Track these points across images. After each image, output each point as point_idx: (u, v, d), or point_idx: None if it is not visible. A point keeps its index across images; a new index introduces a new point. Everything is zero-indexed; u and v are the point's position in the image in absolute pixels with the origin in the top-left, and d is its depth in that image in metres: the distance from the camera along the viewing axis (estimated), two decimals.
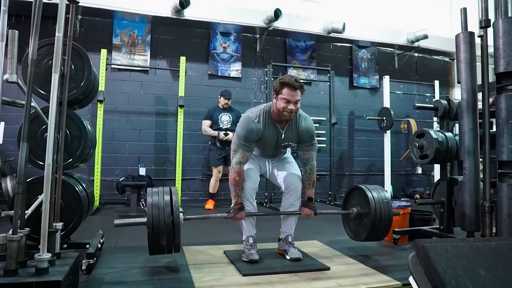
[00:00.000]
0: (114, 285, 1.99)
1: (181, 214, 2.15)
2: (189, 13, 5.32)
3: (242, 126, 2.34)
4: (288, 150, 2.72)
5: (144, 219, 2.11)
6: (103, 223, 3.76)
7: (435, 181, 4.50)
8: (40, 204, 1.81)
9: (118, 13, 5.29)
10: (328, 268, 2.27)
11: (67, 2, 2.00)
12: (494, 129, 2.34)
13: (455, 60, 2.91)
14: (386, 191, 2.67)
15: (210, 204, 4.97)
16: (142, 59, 5.57)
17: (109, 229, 3.21)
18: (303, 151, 2.48)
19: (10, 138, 4.18)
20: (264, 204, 5.20)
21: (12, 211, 1.70)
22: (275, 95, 2.30)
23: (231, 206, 2.39)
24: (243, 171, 2.36)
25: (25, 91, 1.77)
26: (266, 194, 5.30)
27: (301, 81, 2.35)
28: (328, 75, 5.93)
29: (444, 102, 2.99)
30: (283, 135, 2.38)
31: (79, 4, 2.39)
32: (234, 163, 2.34)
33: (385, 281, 2.06)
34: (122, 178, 4.81)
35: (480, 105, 2.52)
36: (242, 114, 5.42)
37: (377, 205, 2.47)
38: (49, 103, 1.85)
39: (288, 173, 2.55)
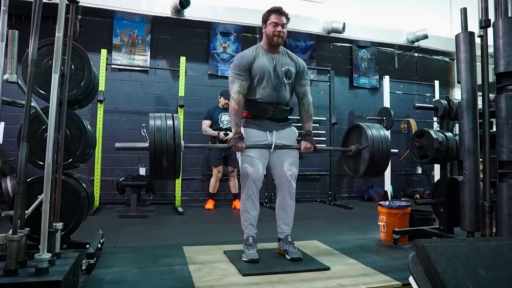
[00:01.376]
0: (114, 285, 2.00)
1: (182, 142, 2.20)
2: (189, 13, 5.31)
3: (235, 58, 2.53)
4: (295, 132, 2.61)
5: (146, 144, 2.12)
6: (103, 223, 3.77)
7: (435, 181, 4.50)
8: (40, 204, 1.81)
9: (118, 13, 5.29)
10: (328, 268, 2.27)
11: (67, 2, 2.00)
12: (494, 129, 2.34)
13: (455, 60, 2.91)
14: (385, 129, 2.68)
15: (210, 204, 4.98)
16: (142, 59, 5.57)
17: (109, 229, 3.22)
18: (300, 85, 2.58)
19: (10, 138, 4.18)
20: (264, 204, 5.20)
21: (12, 211, 1.70)
22: (264, 25, 2.50)
23: (231, 135, 2.44)
24: (242, 99, 2.42)
25: (25, 91, 1.77)
26: (266, 194, 5.30)
27: (289, 18, 2.52)
28: (328, 75, 5.93)
29: (444, 102, 2.99)
30: (279, 58, 2.49)
31: (79, 4, 2.39)
32: (233, 93, 2.42)
33: (385, 281, 2.06)
34: (122, 178, 4.81)
35: (480, 105, 2.52)
36: None
37: (376, 139, 2.51)
38: (49, 103, 1.85)
39: (286, 165, 2.49)
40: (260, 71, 2.44)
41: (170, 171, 2.12)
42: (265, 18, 2.49)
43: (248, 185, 2.43)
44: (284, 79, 2.49)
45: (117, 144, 2.20)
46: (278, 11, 2.46)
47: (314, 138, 2.59)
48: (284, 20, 2.46)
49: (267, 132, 2.48)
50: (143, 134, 2.19)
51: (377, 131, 2.56)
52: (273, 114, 2.49)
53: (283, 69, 2.48)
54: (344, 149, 2.74)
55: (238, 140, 2.37)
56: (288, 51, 2.61)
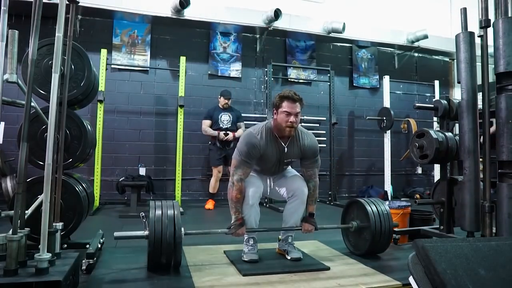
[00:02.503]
0: (114, 285, 1.99)
1: (182, 229, 2.15)
2: (189, 13, 5.32)
3: (244, 142, 2.32)
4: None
5: (145, 233, 2.11)
6: (103, 223, 3.77)
7: (435, 181, 4.50)
8: (40, 204, 1.81)
9: (118, 13, 5.30)
10: (328, 268, 2.27)
11: (67, 2, 2.00)
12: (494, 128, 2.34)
13: (455, 60, 2.91)
14: (385, 203, 2.64)
15: (210, 204, 4.97)
16: (142, 59, 5.57)
17: (109, 229, 3.21)
18: (306, 168, 2.47)
19: (10, 138, 4.17)
20: (264, 204, 5.19)
21: (12, 211, 1.70)
22: (275, 110, 2.32)
23: (232, 222, 2.35)
24: (244, 188, 2.33)
25: (25, 91, 1.77)
26: None
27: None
28: (328, 75, 5.93)
29: (444, 102, 2.99)
30: (285, 150, 2.36)
31: (79, 4, 2.39)
32: (235, 180, 2.30)
33: (385, 281, 2.06)
34: (122, 178, 4.80)
35: (480, 105, 2.52)
36: (242, 114, 5.39)
37: (377, 218, 2.47)
38: (49, 103, 1.85)
39: (292, 181, 2.50)
40: (265, 160, 2.39)
41: (169, 260, 2.11)
42: (277, 104, 2.30)
43: (250, 195, 2.37)
44: (284, 166, 2.51)
45: (116, 234, 2.18)
46: (291, 98, 2.25)
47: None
48: (298, 108, 2.26)
49: (266, 175, 2.56)
50: (143, 220, 2.18)
51: (377, 208, 2.52)
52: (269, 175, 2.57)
53: (285, 161, 2.43)
54: (345, 226, 2.69)
55: (239, 227, 2.32)
56: (301, 132, 2.41)
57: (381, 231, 2.45)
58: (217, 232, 2.43)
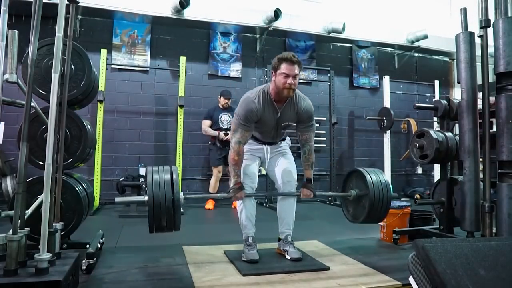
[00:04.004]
0: (114, 285, 1.99)
1: (181, 193, 2.16)
2: (189, 13, 5.32)
3: (242, 107, 2.35)
4: (288, 140, 2.71)
5: (144, 198, 2.10)
6: (103, 223, 3.77)
7: (435, 181, 4.50)
8: (40, 204, 1.81)
9: (118, 13, 5.29)
10: (328, 268, 2.27)
11: (67, 2, 2.00)
12: (494, 129, 2.34)
13: (455, 60, 2.91)
14: (384, 174, 2.66)
15: (210, 204, 4.97)
16: (142, 59, 5.57)
17: (109, 229, 3.22)
18: (302, 132, 2.49)
19: (10, 138, 4.17)
20: (264, 204, 5.20)
21: (12, 211, 1.70)
22: (273, 73, 2.33)
23: (231, 185, 2.39)
24: (242, 150, 2.38)
25: (25, 91, 1.77)
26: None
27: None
28: (328, 75, 5.93)
29: (444, 102, 2.99)
30: (280, 114, 2.39)
31: (79, 4, 2.39)
32: (233, 143, 2.35)
33: (385, 281, 2.06)
34: (122, 178, 4.80)
35: (480, 105, 2.52)
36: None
37: (376, 187, 2.49)
38: (49, 103, 1.85)
39: (285, 169, 2.55)
40: (263, 123, 2.42)
41: (169, 225, 2.10)
42: (275, 66, 2.30)
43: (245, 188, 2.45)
44: (282, 130, 2.54)
45: (117, 199, 2.19)
46: (290, 60, 2.26)
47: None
48: (296, 70, 2.26)
49: (262, 145, 2.59)
50: (143, 185, 2.18)
51: (377, 177, 2.53)
52: (267, 143, 2.60)
53: (282, 124, 2.45)
54: (343, 194, 2.71)
55: (238, 190, 2.36)
56: (298, 96, 2.42)
57: (379, 199, 2.47)
58: (216, 196, 2.47)
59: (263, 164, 2.67)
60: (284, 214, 2.54)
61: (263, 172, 2.88)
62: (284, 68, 2.25)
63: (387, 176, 2.56)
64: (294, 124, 2.49)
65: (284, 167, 2.57)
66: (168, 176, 2.12)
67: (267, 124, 2.42)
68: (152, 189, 2.06)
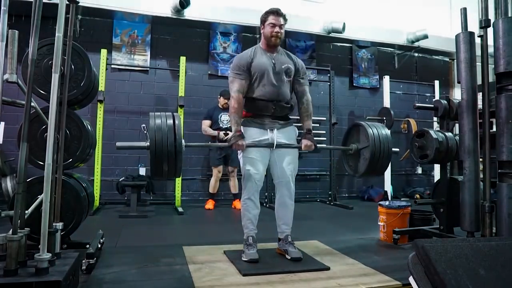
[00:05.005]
0: (114, 285, 2.00)
1: (182, 141, 2.19)
2: (189, 13, 5.32)
3: (234, 60, 2.57)
4: (295, 130, 2.62)
5: (146, 143, 2.10)
6: (103, 223, 3.77)
7: (435, 181, 4.50)
8: (40, 204, 1.81)
9: (118, 13, 5.29)
10: (328, 268, 2.27)
11: (67, 2, 2.00)
12: (494, 129, 2.34)
13: (455, 60, 2.91)
14: (386, 128, 2.67)
15: (210, 204, 4.98)
16: (142, 59, 5.57)
17: (109, 229, 3.22)
18: (299, 84, 2.60)
19: (10, 138, 4.18)
20: (264, 204, 5.20)
21: (12, 211, 1.70)
22: (262, 26, 2.54)
23: (231, 134, 2.46)
24: (241, 99, 2.45)
25: (25, 91, 1.77)
26: (266, 194, 5.30)
27: (286, 19, 2.56)
28: (328, 75, 5.93)
29: (444, 102, 2.99)
30: (278, 57, 2.52)
31: (79, 4, 2.39)
32: (232, 92, 2.45)
33: (385, 281, 2.06)
34: (122, 178, 4.81)
35: (480, 105, 2.52)
36: None
37: (376, 138, 2.51)
38: (49, 103, 1.85)
39: (287, 168, 2.51)
40: (259, 69, 2.46)
41: (171, 170, 2.11)
42: (263, 19, 2.53)
43: (249, 186, 2.47)
44: (284, 77, 2.52)
45: (118, 144, 2.20)
46: (276, 12, 2.50)
47: (314, 138, 2.59)
48: (281, 21, 2.49)
49: (268, 130, 2.49)
50: (144, 131, 2.17)
51: (378, 130, 2.55)
52: (273, 111, 2.50)
53: (283, 66, 2.51)
54: (344, 147, 2.74)
55: (239, 138, 2.39)
56: (287, 51, 2.66)
57: (380, 151, 2.49)
58: (217, 145, 2.47)
59: (271, 144, 2.50)
60: (282, 214, 2.54)
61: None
62: (271, 19, 2.48)
63: (387, 130, 2.57)
64: (293, 70, 2.54)
65: (286, 166, 2.51)
66: (170, 122, 2.14)
67: (265, 67, 2.47)
68: (154, 134, 2.08)
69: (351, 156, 2.70)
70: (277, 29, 2.46)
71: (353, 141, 2.69)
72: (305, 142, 2.52)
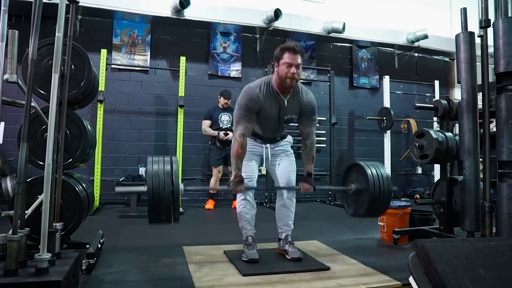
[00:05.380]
0: (114, 285, 1.99)
1: (181, 185, 2.15)
2: (189, 13, 5.32)
3: (243, 96, 2.31)
4: (289, 140, 2.67)
5: (144, 188, 2.10)
6: (103, 223, 3.77)
7: (435, 181, 4.50)
8: (40, 204, 1.81)
9: (118, 13, 5.29)
10: (328, 268, 2.27)
11: (67, 2, 2.00)
12: (494, 129, 2.34)
13: (455, 60, 2.91)
14: (385, 168, 2.64)
15: (210, 204, 4.98)
16: (142, 59, 5.58)
17: (109, 229, 3.22)
18: (304, 125, 2.45)
19: (10, 138, 4.17)
20: (264, 204, 5.20)
21: (12, 211, 1.70)
22: (276, 63, 2.29)
23: (231, 178, 2.36)
24: (246, 143, 2.33)
25: (25, 91, 1.77)
26: (266, 194, 5.30)
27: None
28: (328, 75, 5.93)
29: (444, 102, 2.99)
30: (285, 104, 2.34)
31: (79, 4, 2.39)
32: (237, 135, 2.29)
33: (385, 281, 2.06)
34: (122, 178, 4.81)
35: (480, 105, 2.52)
36: None
37: (376, 180, 2.45)
38: (49, 103, 1.85)
39: (286, 171, 2.54)
40: (265, 116, 2.37)
41: (168, 217, 2.10)
42: (278, 56, 2.26)
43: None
44: (284, 124, 2.49)
45: (117, 188, 2.19)
46: (292, 49, 2.22)
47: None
48: (299, 59, 2.23)
49: (263, 144, 2.54)
50: (143, 175, 2.18)
51: (377, 171, 2.49)
52: (268, 140, 2.56)
53: (285, 117, 2.41)
54: (343, 188, 2.66)
55: (239, 183, 2.32)
56: (301, 88, 2.41)
57: (380, 193, 2.43)
58: (216, 188, 2.45)
59: (265, 162, 2.59)
60: (283, 215, 2.53)
61: (263, 171, 2.87)
62: (287, 57, 2.22)
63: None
64: (296, 118, 2.46)
65: (285, 169, 2.55)
66: (168, 167, 2.11)
67: (269, 116, 2.37)
68: (151, 179, 2.04)
69: (350, 196, 2.63)
70: (293, 69, 2.20)
71: (352, 181, 2.62)
72: (304, 186, 2.44)
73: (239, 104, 2.31)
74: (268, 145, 2.55)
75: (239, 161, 2.33)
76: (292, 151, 2.64)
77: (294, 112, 2.39)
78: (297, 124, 2.50)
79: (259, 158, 2.58)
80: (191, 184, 5.65)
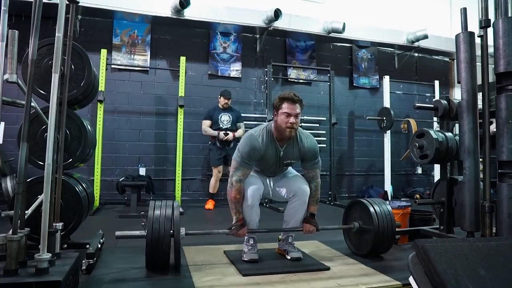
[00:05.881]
0: (114, 285, 1.99)
1: (182, 229, 2.16)
2: (189, 13, 5.32)
3: (245, 144, 2.34)
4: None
5: (144, 233, 2.13)
6: (103, 223, 3.77)
7: (435, 181, 4.50)
8: (40, 204, 1.81)
9: (118, 13, 5.29)
10: (328, 268, 2.27)
11: (67, 2, 2.00)
12: (494, 129, 2.33)
13: (455, 60, 2.91)
14: (387, 204, 2.62)
15: (210, 204, 4.98)
16: (142, 59, 5.57)
17: (109, 229, 3.21)
18: (308, 169, 2.47)
19: (10, 138, 4.18)
20: (264, 205, 5.19)
21: (12, 211, 1.70)
22: (275, 112, 2.34)
23: (233, 222, 2.35)
24: (243, 189, 2.33)
25: (25, 91, 1.77)
26: None
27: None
28: (328, 75, 5.93)
29: (444, 102, 2.99)
30: (282, 153, 2.38)
31: (79, 4, 2.39)
32: (234, 181, 2.32)
33: (385, 281, 2.06)
34: (122, 178, 4.80)
35: (480, 105, 2.52)
36: (242, 114, 5.37)
37: (380, 219, 2.44)
38: (49, 103, 1.85)
39: (293, 181, 2.51)
40: (265, 161, 2.41)
41: (167, 261, 2.10)
42: (277, 106, 2.31)
43: (250, 195, 2.37)
44: (284, 167, 2.53)
45: (117, 233, 2.20)
46: (291, 99, 2.27)
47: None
48: (297, 109, 2.27)
49: (266, 176, 2.58)
50: (142, 220, 2.21)
51: (380, 208, 2.49)
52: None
53: (285, 162, 2.44)
54: (346, 227, 2.66)
55: (240, 227, 2.32)
56: (301, 134, 2.42)
57: (383, 232, 2.43)
58: (218, 232, 2.43)
59: (266, 194, 2.59)
60: (291, 218, 2.49)
61: None
62: (285, 107, 2.26)
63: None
64: (296, 162, 2.48)
65: (292, 179, 2.53)
66: (169, 212, 2.14)
67: (269, 162, 2.41)
68: (152, 226, 2.08)
69: (353, 233, 2.62)
70: (292, 119, 2.24)
71: (354, 218, 2.62)
72: (307, 227, 2.43)
73: (241, 152, 2.34)
74: (270, 176, 2.59)
75: (238, 205, 2.33)
76: (294, 170, 2.65)
77: (294, 158, 2.44)
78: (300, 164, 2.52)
79: (263, 180, 2.54)
80: (191, 184, 5.66)
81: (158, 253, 2.07)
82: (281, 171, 2.56)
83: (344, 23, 5.85)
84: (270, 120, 2.42)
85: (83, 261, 2.11)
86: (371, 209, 2.49)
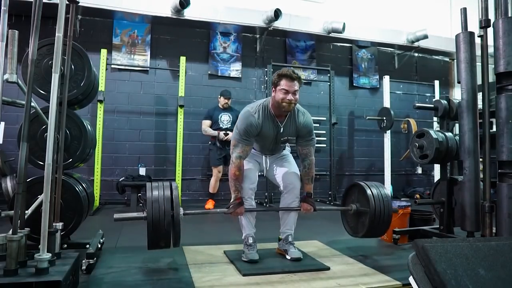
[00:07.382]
0: (114, 285, 1.99)
1: (181, 209, 2.15)
2: (189, 13, 5.32)
3: (242, 121, 2.36)
4: (288, 148, 2.72)
5: (144, 214, 2.10)
6: (103, 223, 3.77)
7: (435, 181, 4.50)
8: (40, 204, 1.81)
9: (118, 13, 5.29)
10: (328, 268, 2.27)
11: (67, 2, 2.00)
12: (494, 129, 2.34)
13: (455, 60, 2.91)
14: (386, 188, 2.64)
15: (210, 204, 4.97)
16: (142, 59, 5.57)
17: (109, 229, 3.22)
18: (302, 146, 2.48)
19: (10, 138, 4.18)
20: (264, 204, 5.20)
21: (12, 211, 1.70)
22: (273, 88, 2.33)
23: (231, 201, 2.39)
24: (243, 165, 2.38)
25: (25, 91, 1.77)
26: (266, 194, 5.30)
27: (302, 81, 2.39)
28: (328, 75, 5.93)
29: (444, 102, 2.99)
30: (282, 129, 2.40)
31: (79, 4, 2.39)
32: (234, 158, 2.35)
33: (385, 281, 2.06)
34: (122, 178, 4.81)
35: (480, 105, 2.52)
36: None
37: (377, 202, 2.48)
38: (49, 103, 1.85)
39: (286, 172, 2.56)
40: (262, 138, 2.43)
41: (167, 242, 2.10)
42: (275, 82, 2.31)
43: (245, 189, 2.45)
44: (281, 144, 2.55)
45: (116, 215, 2.20)
46: (289, 76, 2.26)
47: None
48: (296, 86, 2.27)
49: (262, 155, 2.61)
50: (141, 201, 2.21)
51: (377, 191, 2.52)
52: (266, 153, 2.63)
53: (282, 139, 2.46)
54: (344, 208, 2.70)
55: (238, 206, 2.35)
56: (298, 111, 2.42)
57: (380, 215, 2.46)
58: (216, 212, 2.44)
59: (265, 171, 2.65)
60: (287, 215, 2.53)
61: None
62: (283, 84, 2.26)
63: (387, 184, 2.53)
64: (293, 139, 2.49)
65: (286, 170, 2.56)
66: (168, 192, 2.12)
67: (267, 138, 2.43)
68: (151, 205, 2.06)
69: (351, 216, 2.66)
70: (290, 96, 2.25)
71: (352, 201, 2.65)
72: (305, 206, 2.46)
73: (238, 129, 2.36)
74: (267, 154, 2.62)
75: (237, 183, 2.36)
76: (290, 154, 2.67)
77: (291, 134, 2.44)
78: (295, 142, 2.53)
79: (258, 164, 2.61)
80: (191, 184, 5.66)
81: (159, 233, 2.05)
82: (279, 149, 2.59)
83: (344, 23, 5.85)
84: None
85: (83, 261, 2.11)
86: (368, 191, 2.51)
